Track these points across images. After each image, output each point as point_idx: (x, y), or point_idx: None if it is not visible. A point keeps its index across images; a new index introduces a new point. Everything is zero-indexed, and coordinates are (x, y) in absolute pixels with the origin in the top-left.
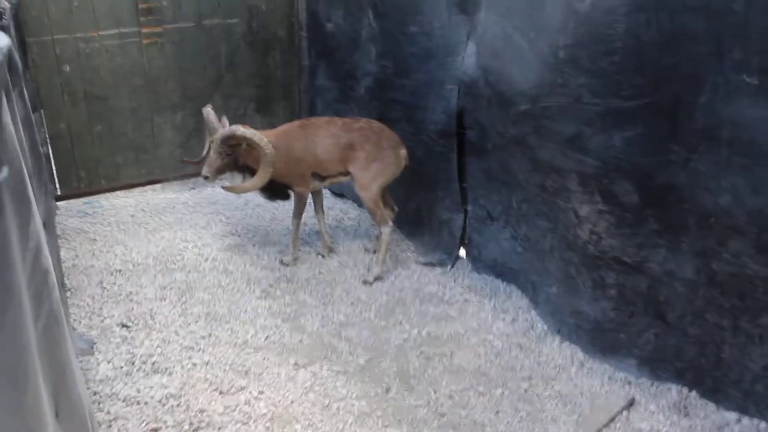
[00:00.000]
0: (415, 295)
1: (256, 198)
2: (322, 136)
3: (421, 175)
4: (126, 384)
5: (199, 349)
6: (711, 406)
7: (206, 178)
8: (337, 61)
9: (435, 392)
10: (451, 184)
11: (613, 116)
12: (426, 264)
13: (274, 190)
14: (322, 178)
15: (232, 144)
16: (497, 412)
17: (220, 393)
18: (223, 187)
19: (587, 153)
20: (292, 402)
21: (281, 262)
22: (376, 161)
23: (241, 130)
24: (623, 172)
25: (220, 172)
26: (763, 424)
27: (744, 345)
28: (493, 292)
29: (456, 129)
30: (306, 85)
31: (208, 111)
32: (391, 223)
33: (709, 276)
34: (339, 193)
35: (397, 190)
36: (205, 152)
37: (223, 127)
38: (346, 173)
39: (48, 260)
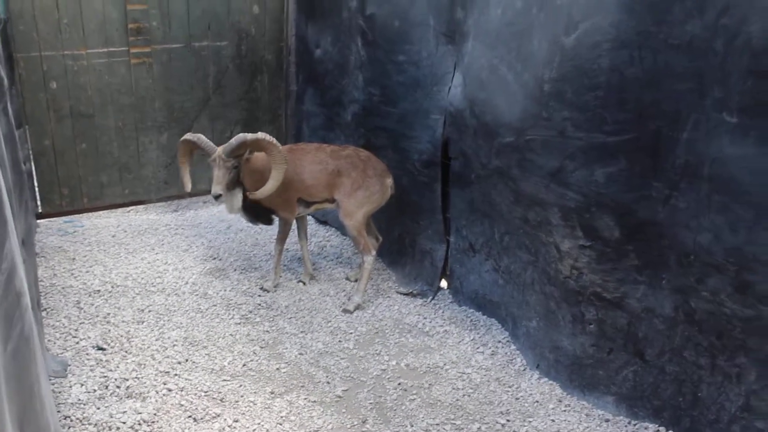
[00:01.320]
0: (395, 326)
1: (239, 222)
2: (310, 162)
3: (404, 204)
4: (98, 408)
5: (175, 375)
6: None
7: (218, 196)
8: (324, 87)
9: (411, 425)
10: (435, 214)
11: (595, 151)
12: (407, 294)
13: (258, 213)
14: (308, 204)
15: (239, 155)
16: None
17: (195, 420)
18: (250, 195)
19: (569, 187)
20: (267, 431)
21: (262, 288)
22: (362, 189)
23: (250, 135)
24: (605, 207)
25: (229, 188)
26: None
27: (721, 384)
28: (474, 325)
29: (441, 159)
30: (293, 110)
31: (198, 135)
32: (374, 253)
33: (688, 313)
34: (323, 221)
35: (380, 219)
36: (186, 180)
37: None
38: (332, 200)
39: (22, 282)
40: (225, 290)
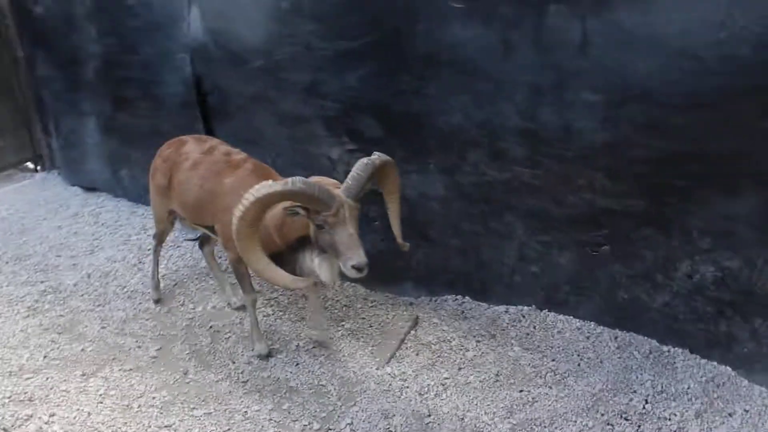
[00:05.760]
0: (192, 273)
1: (2, 210)
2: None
3: None
4: None
5: None
6: (483, 306)
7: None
8: (55, 47)
9: (233, 362)
10: None
11: (343, 58)
12: (193, 240)
13: None
14: None
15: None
16: (297, 364)
17: (4, 430)
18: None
19: (326, 97)
20: (89, 414)
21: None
22: None
23: (376, 157)
24: (363, 110)
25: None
26: (525, 309)
27: (498, 244)
28: None
29: (196, 97)
30: (26, 78)
31: (306, 180)
32: None
33: (457, 189)
34: (91, 188)
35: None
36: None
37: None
38: None
39: None
40: (2, 286)
